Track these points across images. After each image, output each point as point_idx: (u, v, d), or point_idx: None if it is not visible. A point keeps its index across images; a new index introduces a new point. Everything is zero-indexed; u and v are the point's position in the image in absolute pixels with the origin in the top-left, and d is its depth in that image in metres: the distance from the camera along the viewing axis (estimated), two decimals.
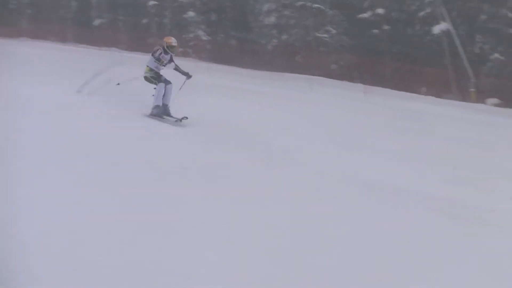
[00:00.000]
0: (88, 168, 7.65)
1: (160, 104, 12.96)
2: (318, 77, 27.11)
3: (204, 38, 35.61)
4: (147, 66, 13.25)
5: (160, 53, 13.08)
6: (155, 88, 12.99)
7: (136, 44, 35.84)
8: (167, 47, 13.16)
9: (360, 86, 25.43)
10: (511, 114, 22.62)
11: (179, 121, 12.49)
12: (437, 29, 28.62)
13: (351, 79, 27.27)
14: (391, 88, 25.72)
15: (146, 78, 13.25)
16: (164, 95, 13.04)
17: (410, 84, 27.02)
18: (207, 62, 30.91)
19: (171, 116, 12.82)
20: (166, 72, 13.35)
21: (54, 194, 6.43)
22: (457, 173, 10.98)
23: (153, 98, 12.99)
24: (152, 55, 13.21)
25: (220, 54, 33.11)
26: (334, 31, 31.46)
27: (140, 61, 14.45)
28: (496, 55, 27.77)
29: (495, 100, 26.52)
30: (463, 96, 27.32)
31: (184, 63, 29.45)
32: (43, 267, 4.74)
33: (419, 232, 7.15)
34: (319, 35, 31.59)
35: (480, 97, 26.96)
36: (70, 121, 10.62)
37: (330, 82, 26.92)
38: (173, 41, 13.21)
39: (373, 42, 29.72)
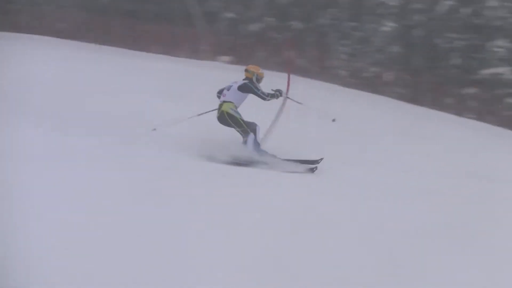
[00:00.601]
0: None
1: (258, 147, 10.47)
2: (43, 37, 25.63)
3: None
4: (230, 102, 10.62)
5: (251, 88, 10.62)
6: (242, 134, 10.56)
7: None
8: (257, 79, 10.86)
9: (91, 45, 24.54)
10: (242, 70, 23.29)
11: (311, 169, 10.32)
12: None
13: (80, 38, 25.92)
14: (122, 47, 25.32)
15: (231, 117, 10.56)
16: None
17: (142, 42, 26.76)
18: None
19: (270, 154, 10.52)
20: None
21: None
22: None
23: (247, 145, 10.48)
24: (243, 89, 10.66)
25: None
26: None
27: None
28: (230, 14, 28.37)
29: (227, 58, 27.24)
30: (197, 54, 27.56)
31: None
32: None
33: None
34: None
35: (213, 55, 27.50)
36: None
37: (58, 41, 25.49)
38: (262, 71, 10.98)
39: None
